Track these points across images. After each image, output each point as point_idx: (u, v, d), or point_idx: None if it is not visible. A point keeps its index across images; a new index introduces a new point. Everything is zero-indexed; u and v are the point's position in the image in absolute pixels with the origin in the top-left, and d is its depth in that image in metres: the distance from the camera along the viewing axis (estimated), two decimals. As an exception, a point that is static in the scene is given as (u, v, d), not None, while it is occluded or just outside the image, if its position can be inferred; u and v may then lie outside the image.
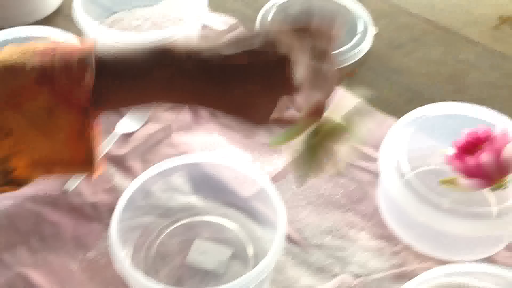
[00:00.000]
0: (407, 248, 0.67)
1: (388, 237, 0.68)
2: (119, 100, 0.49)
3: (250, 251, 0.67)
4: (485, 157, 0.59)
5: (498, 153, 0.59)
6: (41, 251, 0.65)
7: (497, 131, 0.64)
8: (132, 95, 0.49)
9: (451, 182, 0.65)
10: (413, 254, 0.67)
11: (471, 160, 0.60)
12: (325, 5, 0.95)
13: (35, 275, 0.62)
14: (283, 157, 0.75)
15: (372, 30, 0.90)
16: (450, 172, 0.68)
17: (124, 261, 0.58)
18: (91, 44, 0.48)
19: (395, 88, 0.85)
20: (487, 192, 0.70)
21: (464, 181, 0.61)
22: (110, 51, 0.49)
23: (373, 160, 0.74)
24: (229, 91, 0.49)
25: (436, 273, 0.56)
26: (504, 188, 0.63)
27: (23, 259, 0.64)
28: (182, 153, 0.74)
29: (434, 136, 0.72)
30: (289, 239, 0.67)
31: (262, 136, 0.77)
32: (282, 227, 0.61)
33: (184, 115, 0.79)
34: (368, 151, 0.76)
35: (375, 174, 0.73)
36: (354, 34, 0.89)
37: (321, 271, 0.65)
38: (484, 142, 0.61)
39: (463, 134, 0.64)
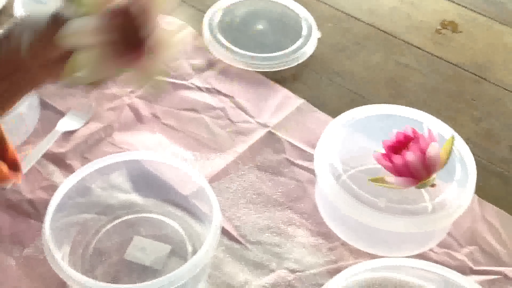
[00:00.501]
0: (343, 244, 0.69)
1: (326, 235, 0.70)
2: None
3: (189, 248, 0.67)
4: (410, 155, 0.61)
5: (423, 152, 0.61)
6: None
7: (424, 130, 0.66)
8: None
9: (379, 180, 0.67)
10: (349, 250, 0.68)
11: (397, 159, 0.62)
12: (270, 7, 0.97)
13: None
14: (223, 157, 0.76)
15: (316, 34, 0.92)
16: (383, 171, 0.70)
17: (58, 258, 0.58)
18: None
19: (337, 90, 0.88)
20: (420, 191, 0.72)
21: (392, 179, 0.63)
22: None
23: (312, 158, 0.76)
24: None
25: (363, 267, 0.57)
26: (432, 185, 0.65)
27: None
28: (122, 151, 0.74)
29: (369, 136, 0.74)
30: (228, 236, 0.68)
31: (204, 136, 0.78)
32: (217, 221, 0.62)
33: (126, 114, 0.80)
34: (309, 150, 0.77)
35: (314, 172, 0.74)
36: (298, 37, 0.91)
37: (258, 267, 0.66)
38: (410, 142, 0.63)
39: (393, 134, 0.67)
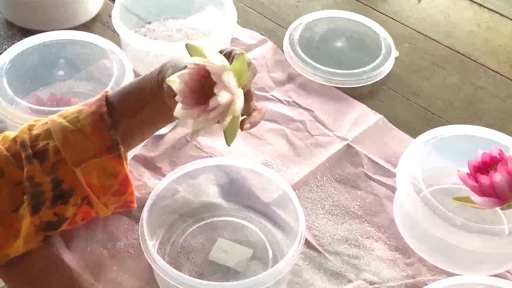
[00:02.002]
0: (420, 260, 0.70)
1: (402, 249, 0.71)
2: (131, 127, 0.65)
3: (270, 253, 0.70)
4: (498, 176, 0.62)
5: (511, 174, 0.62)
6: (74, 238, 0.68)
7: (510, 153, 0.67)
8: (137, 124, 0.65)
9: (464, 199, 0.68)
10: (426, 266, 0.69)
11: (484, 179, 0.63)
12: (350, 25, 0.99)
13: (69, 258, 0.66)
14: (302, 167, 0.79)
15: (394, 53, 0.94)
16: (463, 191, 0.71)
17: (153, 251, 0.61)
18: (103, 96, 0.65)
19: (413, 109, 0.89)
20: (499, 211, 0.73)
21: (477, 199, 0.64)
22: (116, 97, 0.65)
23: (391, 175, 0.78)
24: None
25: (444, 284, 0.58)
26: (516, 208, 0.66)
27: (58, 244, 0.68)
28: (207, 156, 0.78)
29: (449, 156, 0.76)
30: (307, 244, 0.70)
31: (284, 146, 0.81)
32: (302, 231, 0.64)
33: (212, 121, 0.83)
34: (386, 166, 0.79)
35: (392, 188, 0.76)
36: (377, 56, 0.93)
37: (336, 276, 0.68)
38: (497, 163, 0.64)
39: (478, 154, 0.68)
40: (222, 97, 0.52)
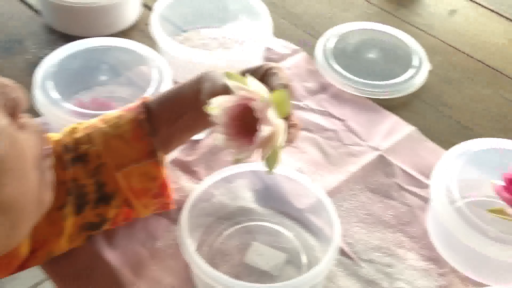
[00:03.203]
0: (453, 271, 0.71)
1: (436, 260, 0.72)
2: (170, 134, 0.67)
3: (304, 259, 0.71)
4: (534, 189, 0.63)
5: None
6: (115, 237, 0.70)
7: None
8: (175, 130, 0.67)
9: (499, 211, 0.69)
10: (458, 277, 0.70)
11: (520, 192, 0.64)
12: (382, 38, 1.00)
13: (111, 256, 0.68)
14: (336, 176, 0.80)
15: (426, 66, 0.95)
16: (497, 204, 0.72)
17: (192, 251, 0.63)
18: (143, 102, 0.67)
19: (446, 121, 0.90)
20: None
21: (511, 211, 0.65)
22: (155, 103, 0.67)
23: (424, 186, 0.79)
24: None
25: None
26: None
27: (100, 243, 0.70)
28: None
29: (482, 169, 0.76)
30: (340, 251, 0.72)
31: (317, 155, 0.82)
32: (337, 238, 0.65)
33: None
34: (419, 177, 0.80)
35: (425, 199, 0.77)
36: (409, 68, 0.94)
37: (370, 284, 0.69)
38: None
39: (512, 167, 0.68)
40: (265, 131, 0.52)
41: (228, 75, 0.56)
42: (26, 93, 0.41)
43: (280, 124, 0.54)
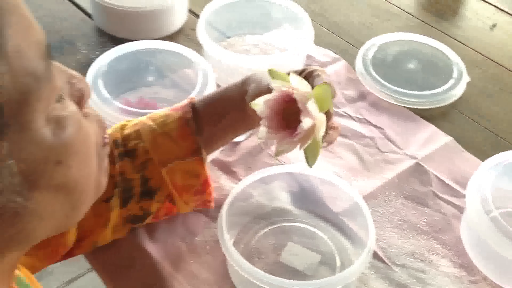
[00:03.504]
0: (485, 279, 0.71)
1: (468, 267, 0.73)
2: (214, 133, 0.70)
3: (338, 261, 0.73)
4: None
5: None
6: (156, 230, 0.73)
7: None
8: (220, 130, 0.70)
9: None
10: (490, 285, 0.71)
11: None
12: (423, 49, 1.02)
13: (152, 249, 0.71)
14: (372, 181, 0.82)
15: (466, 78, 0.96)
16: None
17: (230, 246, 0.65)
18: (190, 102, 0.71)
19: (483, 133, 0.91)
20: None
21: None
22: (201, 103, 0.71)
23: (459, 195, 0.79)
24: None
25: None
26: None
27: (142, 235, 0.73)
28: (280, 164, 0.81)
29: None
30: (374, 255, 0.73)
31: (353, 160, 0.84)
32: (372, 241, 0.67)
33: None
34: (455, 186, 0.81)
35: (460, 208, 0.78)
36: (448, 79, 0.95)
37: None
38: None
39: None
40: (306, 123, 0.54)
41: (271, 72, 0.59)
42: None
43: (321, 117, 0.56)
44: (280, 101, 0.57)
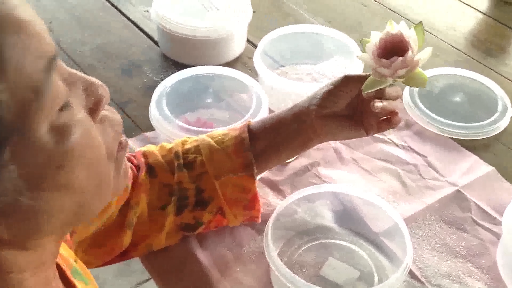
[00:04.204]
0: (519, 304, 0.74)
1: (503, 292, 0.75)
2: (267, 153, 0.77)
3: (376, 277, 0.77)
4: None
5: None
6: (206, 239, 0.79)
7: None
8: (273, 150, 0.76)
9: None
10: (524, 310, 0.73)
11: None
12: (469, 83, 1.05)
13: (202, 256, 0.77)
14: (412, 205, 0.85)
15: (510, 112, 0.99)
16: None
17: (275, 256, 0.71)
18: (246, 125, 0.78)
19: (526, 165, 0.93)
20: None
21: None
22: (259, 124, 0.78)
23: (497, 222, 0.82)
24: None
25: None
26: None
27: (193, 243, 0.79)
28: (325, 183, 0.86)
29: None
30: (411, 274, 0.76)
31: (396, 185, 0.88)
32: (408, 259, 0.71)
33: (331, 154, 0.93)
34: (493, 214, 0.84)
35: (497, 235, 0.81)
36: (493, 112, 0.98)
37: (436, 306, 0.73)
38: None
39: None
40: (410, 54, 0.65)
41: (364, 41, 0.70)
42: (107, 90, 0.45)
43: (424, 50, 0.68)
44: (389, 40, 0.67)
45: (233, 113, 0.99)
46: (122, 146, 0.47)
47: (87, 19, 1.21)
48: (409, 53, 0.65)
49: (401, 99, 0.96)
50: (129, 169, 0.72)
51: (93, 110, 0.44)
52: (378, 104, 0.70)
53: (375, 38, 0.68)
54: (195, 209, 0.76)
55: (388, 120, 0.74)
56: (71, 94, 0.42)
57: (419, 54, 0.67)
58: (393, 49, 0.67)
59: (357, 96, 0.75)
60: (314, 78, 1.08)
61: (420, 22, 0.68)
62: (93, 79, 0.45)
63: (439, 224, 0.83)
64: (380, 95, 0.71)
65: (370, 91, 0.70)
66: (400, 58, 0.65)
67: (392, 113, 0.74)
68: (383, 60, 0.67)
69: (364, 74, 0.71)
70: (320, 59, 1.11)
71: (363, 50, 0.69)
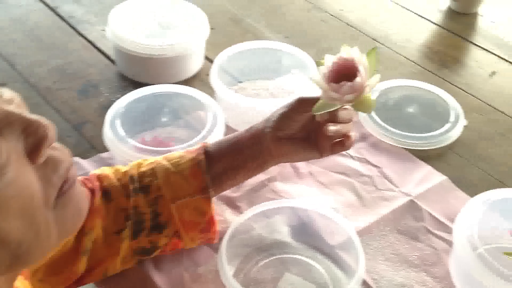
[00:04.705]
0: (472, 311, 0.75)
1: (456, 300, 0.76)
2: (223, 174, 0.77)
3: (331, 290, 0.77)
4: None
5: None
6: (162, 261, 0.79)
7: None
8: (230, 172, 0.77)
9: (512, 253, 0.73)
10: (477, 317, 0.74)
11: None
12: (422, 94, 1.07)
13: (158, 278, 0.77)
14: (367, 217, 0.87)
15: (462, 122, 1.01)
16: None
17: (230, 276, 0.71)
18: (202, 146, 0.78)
19: (478, 174, 0.95)
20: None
21: (526, 255, 0.70)
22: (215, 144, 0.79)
23: (450, 231, 0.84)
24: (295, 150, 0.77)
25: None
26: None
27: (149, 265, 0.79)
28: (281, 198, 0.87)
29: (506, 217, 0.81)
30: (366, 286, 0.77)
31: (351, 197, 0.89)
32: (361, 270, 0.72)
33: (288, 170, 0.93)
34: (446, 222, 0.85)
35: (450, 243, 0.82)
36: (446, 122, 1.00)
37: (391, 317, 0.74)
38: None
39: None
40: (358, 79, 0.66)
41: (318, 63, 0.71)
42: (54, 129, 0.41)
43: (373, 77, 0.68)
44: (341, 65, 0.68)
45: (191, 131, 0.99)
46: (69, 183, 0.44)
47: (44, 40, 1.21)
48: (357, 79, 0.66)
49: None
50: (88, 192, 0.72)
51: (32, 152, 0.41)
52: (332, 127, 0.72)
53: (328, 61, 0.70)
54: (151, 233, 0.75)
55: (342, 143, 0.76)
56: (3, 138, 0.39)
57: (369, 80, 0.69)
58: (345, 73, 0.68)
59: (312, 119, 0.76)
60: (272, 93, 1.09)
61: (374, 47, 0.70)
62: (34, 118, 0.41)
63: (393, 235, 0.84)
64: (334, 118, 0.73)
65: (320, 113, 0.71)
66: (349, 83, 0.67)
67: (345, 136, 0.75)
68: (333, 84, 0.68)
69: (317, 96, 0.72)
70: (278, 74, 1.12)
71: (318, 65, 0.72)
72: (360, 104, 0.69)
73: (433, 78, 1.15)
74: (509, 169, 0.96)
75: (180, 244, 0.78)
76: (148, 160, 0.78)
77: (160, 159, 0.78)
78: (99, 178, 0.76)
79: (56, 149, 0.43)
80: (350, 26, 1.30)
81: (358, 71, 0.67)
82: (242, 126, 0.82)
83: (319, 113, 0.71)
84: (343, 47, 0.70)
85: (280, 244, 0.83)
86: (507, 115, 1.06)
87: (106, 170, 0.77)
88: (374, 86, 0.69)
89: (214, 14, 1.28)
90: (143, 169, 0.77)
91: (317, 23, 1.31)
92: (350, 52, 0.69)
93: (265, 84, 1.12)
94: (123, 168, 0.77)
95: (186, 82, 1.12)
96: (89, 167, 0.91)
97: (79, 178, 0.76)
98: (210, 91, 1.02)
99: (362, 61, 0.68)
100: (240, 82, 1.12)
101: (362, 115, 1.03)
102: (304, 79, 1.08)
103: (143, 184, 0.75)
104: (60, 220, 0.43)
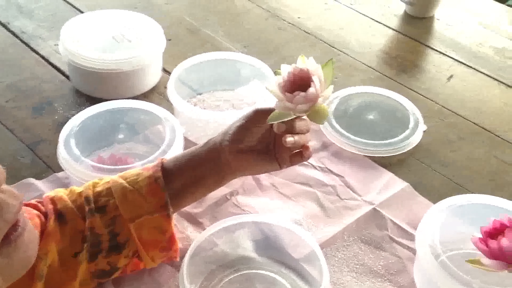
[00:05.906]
0: (437, 319, 0.75)
1: (421, 308, 0.76)
2: (182, 190, 0.76)
3: (297, 305, 0.76)
4: (505, 241, 0.67)
5: (517, 238, 0.67)
6: (123, 282, 0.77)
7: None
8: (188, 188, 0.76)
9: (476, 262, 0.73)
10: (442, 325, 0.74)
11: (493, 243, 0.69)
12: (382, 100, 1.08)
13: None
14: (331, 227, 0.86)
15: (422, 127, 1.01)
16: (479, 256, 0.76)
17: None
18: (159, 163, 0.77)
19: (439, 179, 0.95)
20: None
21: (487, 261, 0.70)
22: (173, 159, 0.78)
23: (413, 238, 0.83)
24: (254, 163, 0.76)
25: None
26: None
27: (109, 286, 0.76)
28: (244, 213, 0.86)
29: (469, 222, 0.81)
30: (332, 298, 0.77)
31: (314, 208, 0.89)
32: (326, 283, 0.71)
33: (250, 182, 0.92)
34: (409, 230, 0.85)
35: (414, 251, 0.82)
36: (406, 129, 1.01)
37: (358, 329, 0.74)
38: (506, 229, 0.69)
39: (490, 221, 0.73)
40: (312, 90, 0.66)
41: (277, 72, 0.71)
42: (3, 174, 0.40)
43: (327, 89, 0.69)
44: (296, 76, 0.68)
45: (150, 146, 0.97)
46: (18, 232, 0.43)
47: (-4, 56, 1.17)
48: (311, 89, 0.66)
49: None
50: (37, 220, 0.69)
51: None
52: (290, 139, 0.71)
53: (284, 71, 0.69)
54: (110, 254, 0.73)
55: (300, 154, 0.75)
56: None
57: (324, 91, 0.68)
58: (300, 83, 0.68)
59: (270, 130, 0.75)
60: (233, 104, 1.08)
61: (331, 59, 0.70)
62: None
63: (358, 245, 0.84)
64: (291, 129, 0.72)
65: (275, 122, 0.70)
66: (302, 93, 0.66)
67: (304, 147, 0.75)
68: (287, 94, 0.68)
69: (273, 107, 0.71)
70: (237, 85, 1.11)
71: (276, 74, 0.71)
72: (315, 114, 0.69)
73: (393, 84, 1.15)
74: (470, 173, 0.97)
75: (140, 265, 0.76)
76: (104, 179, 0.76)
77: (116, 178, 0.76)
78: (53, 201, 0.73)
79: (3, 192, 0.42)
80: (308, 33, 1.30)
81: (312, 82, 0.67)
82: (202, 139, 0.81)
83: (274, 122, 0.71)
84: (300, 57, 0.69)
85: (244, 260, 0.81)
86: (465, 119, 1.07)
87: (60, 192, 0.75)
88: (328, 97, 0.69)
89: (170, 25, 1.27)
90: (98, 189, 0.74)
91: (276, 32, 1.31)
92: (306, 63, 0.69)
93: (225, 95, 1.10)
94: (78, 189, 0.75)
95: (145, 95, 1.09)
96: (44, 188, 0.88)
97: (32, 201, 0.73)
98: (169, 104, 1.00)
99: (317, 71, 0.68)
100: (200, 94, 1.10)
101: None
102: (264, 89, 1.07)
103: (99, 204, 0.73)
104: (5, 268, 0.42)
